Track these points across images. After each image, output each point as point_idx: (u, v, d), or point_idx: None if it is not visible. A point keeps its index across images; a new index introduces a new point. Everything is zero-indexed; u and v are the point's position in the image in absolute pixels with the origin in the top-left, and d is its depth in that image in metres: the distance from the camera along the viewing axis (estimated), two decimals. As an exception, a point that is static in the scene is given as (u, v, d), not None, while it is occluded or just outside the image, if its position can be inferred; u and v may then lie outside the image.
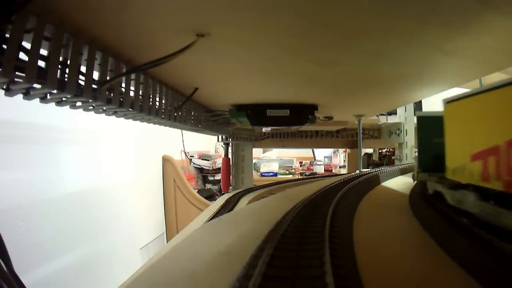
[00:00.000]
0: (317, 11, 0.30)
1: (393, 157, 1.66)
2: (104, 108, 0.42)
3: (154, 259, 0.39)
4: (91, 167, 1.10)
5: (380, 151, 1.99)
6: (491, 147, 0.27)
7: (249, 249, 0.28)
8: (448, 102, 0.36)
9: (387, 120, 1.48)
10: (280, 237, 0.30)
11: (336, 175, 2.11)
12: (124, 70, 0.42)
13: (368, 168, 1.71)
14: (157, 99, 0.52)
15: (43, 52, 0.30)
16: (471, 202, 0.31)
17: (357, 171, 1.14)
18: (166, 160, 1.82)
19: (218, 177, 2.17)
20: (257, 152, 2.42)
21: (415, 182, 0.56)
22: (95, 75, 0.38)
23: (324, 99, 0.77)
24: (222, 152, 1.49)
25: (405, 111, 1.38)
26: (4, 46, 0.26)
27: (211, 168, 2.27)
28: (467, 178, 0.32)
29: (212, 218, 0.75)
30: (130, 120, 0.51)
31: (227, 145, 1.39)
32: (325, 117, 1.05)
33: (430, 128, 0.48)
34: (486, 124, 0.30)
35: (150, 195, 1.72)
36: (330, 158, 3.03)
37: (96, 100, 0.37)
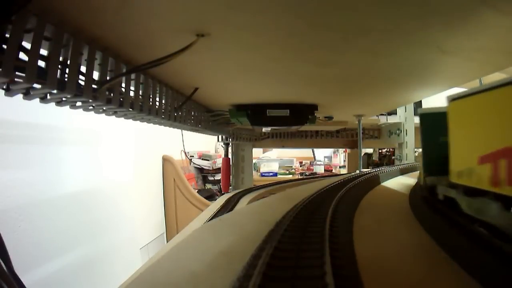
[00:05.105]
0: (316, 11, 0.30)
1: (393, 157, 1.66)
2: (104, 108, 0.42)
3: (154, 259, 0.39)
4: (91, 167, 1.10)
5: (380, 151, 1.99)
6: (503, 149, 0.25)
7: (249, 249, 0.28)
8: (452, 100, 0.32)
9: (387, 120, 1.48)
10: (280, 237, 0.30)
11: (336, 175, 2.11)
12: (124, 70, 0.42)
13: (368, 168, 1.71)
14: (157, 99, 0.52)
15: (43, 52, 0.30)
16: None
17: (357, 171, 1.14)
18: (166, 160, 1.82)
19: (218, 177, 2.17)
20: (257, 152, 2.43)
21: (421, 185, 0.51)
22: (95, 75, 0.38)
23: (324, 99, 0.77)
24: (222, 152, 1.49)
25: (405, 111, 1.38)
26: (4, 46, 0.26)
27: (211, 168, 2.27)
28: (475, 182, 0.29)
29: (212, 218, 0.75)
30: (130, 120, 0.51)
31: (227, 145, 1.39)
32: (325, 117, 1.05)
33: (435, 126, 0.43)
34: (495, 123, 0.27)
35: (150, 195, 1.72)
36: (330, 158, 3.03)
37: (96, 100, 0.37)
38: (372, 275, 0.27)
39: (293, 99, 0.75)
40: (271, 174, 2.54)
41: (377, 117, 1.47)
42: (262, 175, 2.51)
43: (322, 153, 3.05)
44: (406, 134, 1.37)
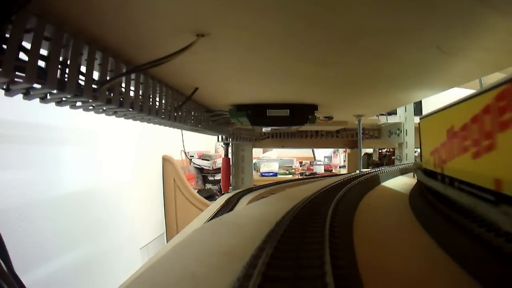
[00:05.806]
0: (316, 11, 0.30)
1: (393, 157, 1.66)
2: (104, 108, 0.42)
3: (154, 259, 0.39)
4: (91, 167, 1.10)
5: (380, 151, 1.99)
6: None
7: (249, 249, 0.28)
8: None
9: (387, 120, 1.48)
10: (280, 237, 0.30)
11: (336, 175, 2.11)
12: (124, 70, 0.42)
13: (368, 168, 1.71)
14: (157, 99, 0.52)
15: (43, 52, 0.30)
16: None
17: (357, 171, 1.15)
18: (166, 160, 1.82)
19: (218, 177, 2.17)
20: (257, 152, 2.42)
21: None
22: (95, 75, 0.38)
23: (324, 99, 0.77)
24: (222, 152, 1.49)
25: (405, 111, 1.38)
26: (4, 46, 0.26)
27: (211, 168, 2.27)
28: None
29: (212, 218, 0.75)
30: (130, 120, 0.51)
31: (227, 145, 1.39)
32: (325, 117, 1.05)
33: None
34: None
35: (150, 195, 1.72)
36: (330, 158, 3.03)
37: (96, 100, 0.37)
38: (372, 275, 0.27)
39: (293, 99, 0.74)
40: (271, 174, 2.54)
41: (377, 117, 1.47)
42: (262, 175, 2.51)
43: (322, 153, 3.04)
44: (406, 134, 1.37)
